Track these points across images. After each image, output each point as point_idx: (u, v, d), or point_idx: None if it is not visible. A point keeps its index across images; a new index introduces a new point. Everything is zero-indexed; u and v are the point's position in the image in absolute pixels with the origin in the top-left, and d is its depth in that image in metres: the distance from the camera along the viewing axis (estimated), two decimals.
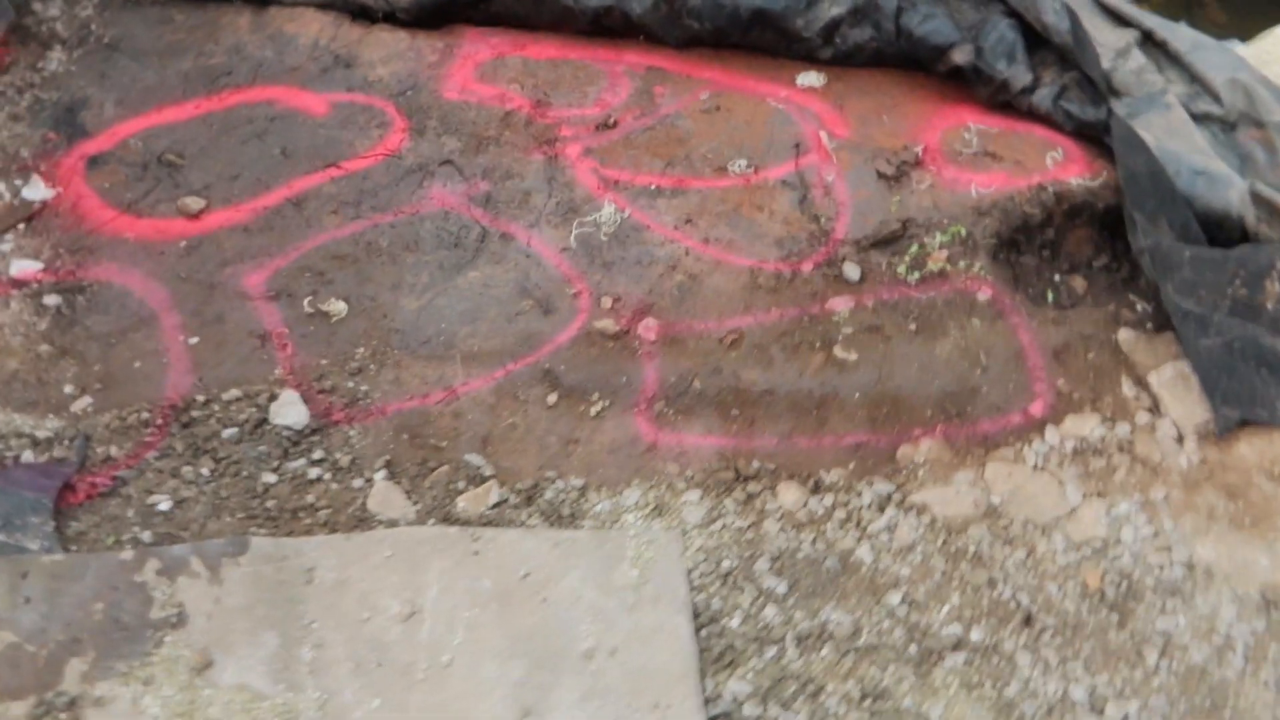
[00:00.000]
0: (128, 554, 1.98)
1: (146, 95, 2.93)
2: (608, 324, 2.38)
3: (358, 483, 2.12)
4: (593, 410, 2.25)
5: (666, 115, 3.00)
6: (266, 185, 2.73)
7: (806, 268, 2.52)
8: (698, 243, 2.58)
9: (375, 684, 1.84)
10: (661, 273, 2.50)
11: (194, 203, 2.67)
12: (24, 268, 2.49)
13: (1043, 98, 2.95)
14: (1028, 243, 2.66)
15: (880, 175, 2.77)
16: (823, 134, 2.92)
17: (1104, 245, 2.68)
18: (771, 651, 1.88)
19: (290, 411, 2.21)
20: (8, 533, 1.98)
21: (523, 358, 2.33)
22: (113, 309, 2.43)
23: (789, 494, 2.11)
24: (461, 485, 2.12)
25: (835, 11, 3.06)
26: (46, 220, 2.60)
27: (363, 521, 2.05)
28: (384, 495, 2.09)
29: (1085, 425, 2.20)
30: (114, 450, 2.16)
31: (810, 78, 3.12)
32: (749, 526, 2.07)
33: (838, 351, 2.33)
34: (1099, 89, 2.88)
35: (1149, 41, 3.24)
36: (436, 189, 2.73)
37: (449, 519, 2.06)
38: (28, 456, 2.14)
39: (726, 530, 2.06)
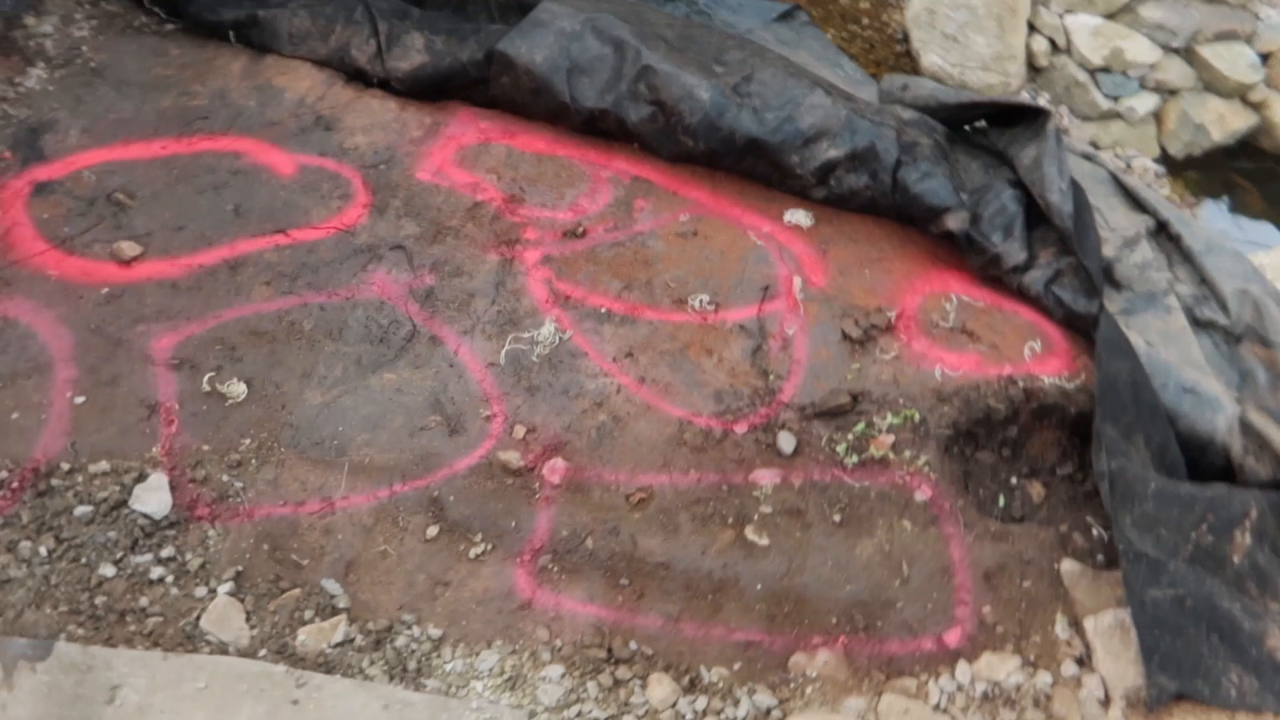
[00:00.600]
0: None
1: (116, 127, 2.86)
2: (512, 456, 2.21)
3: (200, 592, 1.95)
4: (473, 551, 2.07)
5: (640, 233, 2.87)
6: (209, 242, 2.62)
7: (740, 429, 2.34)
8: (633, 381, 2.41)
9: None
10: (585, 409, 2.34)
11: (129, 248, 2.57)
12: None
13: (1035, 279, 2.77)
14: (987, 438, 2.46)
15: (845, 336, 2.60)
16: (797, 280, 2.76)
17: (1071, 452, 2.48)
18: None
19: (153, 498, 2.06)
20: None
21: (414, 480, 2.16)
22: (11, 350, 2.32)
23: (660, 689, 1.91)
24: (309, 615, 1.94)
25: (832, 154, 2.93)
26: None
27: (190, 639, 1.87)
28: (222, 613, 1.92)
29: (1003, 667, 1.98)
30: None
31: (798, 215, 2.98)
32: None
33: (749, 532, 2.14)
34: (1095, 280, 2.70)
35: (1163, 233, 3.07)
36: (379, 275, 2.61)
37: (284, 651, 1.88)
38: None
39: None
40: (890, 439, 2.33)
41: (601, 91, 3.08)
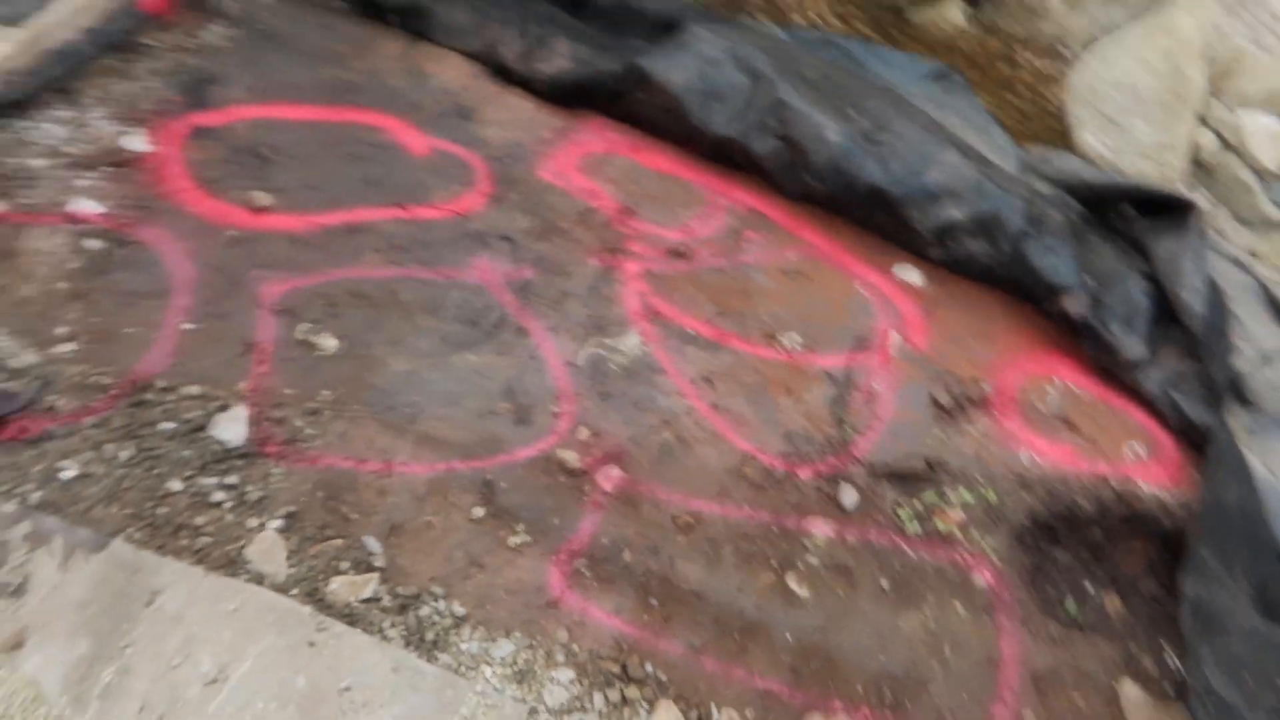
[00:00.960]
0: (9, 508, 1.96)
1: (276, 89, 3.05)
2: (571, 456, 2.22)
3: (252, 523, 2.03)
4: (513, 540, 2.08)
5: (745, 264, 2.85)
6: (334, 204, 2.76)
7: (804, 474, 2.27)
8: (706, 406, 2.39)
9: None
10: (653, 424, 2.32)
11: (262, 198, 2.73)
12: (85, 207, 2.59)
13: (1152, 379, 2.60)
14: (1068, 536, 2.30)
15: (934, 402, 2.50)
16: (895, 336, 2.68)
17: (1159, 570, 2.29)
18: None
19: (231, 428, 2.17)
20: None
21: (473, 460, 2.20)
22: (141, 272, 2.49)
23: (665, 716, 1.86)
24: (344, 566, 1.99)
25: (955, 214, 2.84)
26: (130, 172, 2.72)
27: (233, 564, 1.95)
28: (267, 546, 1.99)
29: None
30: (61, 403, 2.17)
31: (909, 273, 2.90)
32: None
33: (791, 580, 2.07)
34: (1218, 390, 2.50)
35: None
36: (483, 261, 2.68)
37: (315, 595, 1.93)
38: None
39: None
40: (960, 515, 2.22)
41: (731, 119, 3.09)
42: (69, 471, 2.05)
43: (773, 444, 2.32)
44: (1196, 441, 2.50)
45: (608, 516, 2.13)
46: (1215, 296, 2.69)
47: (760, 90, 3.11)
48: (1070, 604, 2.22)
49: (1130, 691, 1.99)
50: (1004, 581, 2.12)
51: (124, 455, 2.10)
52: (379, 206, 2.77)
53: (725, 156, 3.17)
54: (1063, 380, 2.61)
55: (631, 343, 2.50)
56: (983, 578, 2.12)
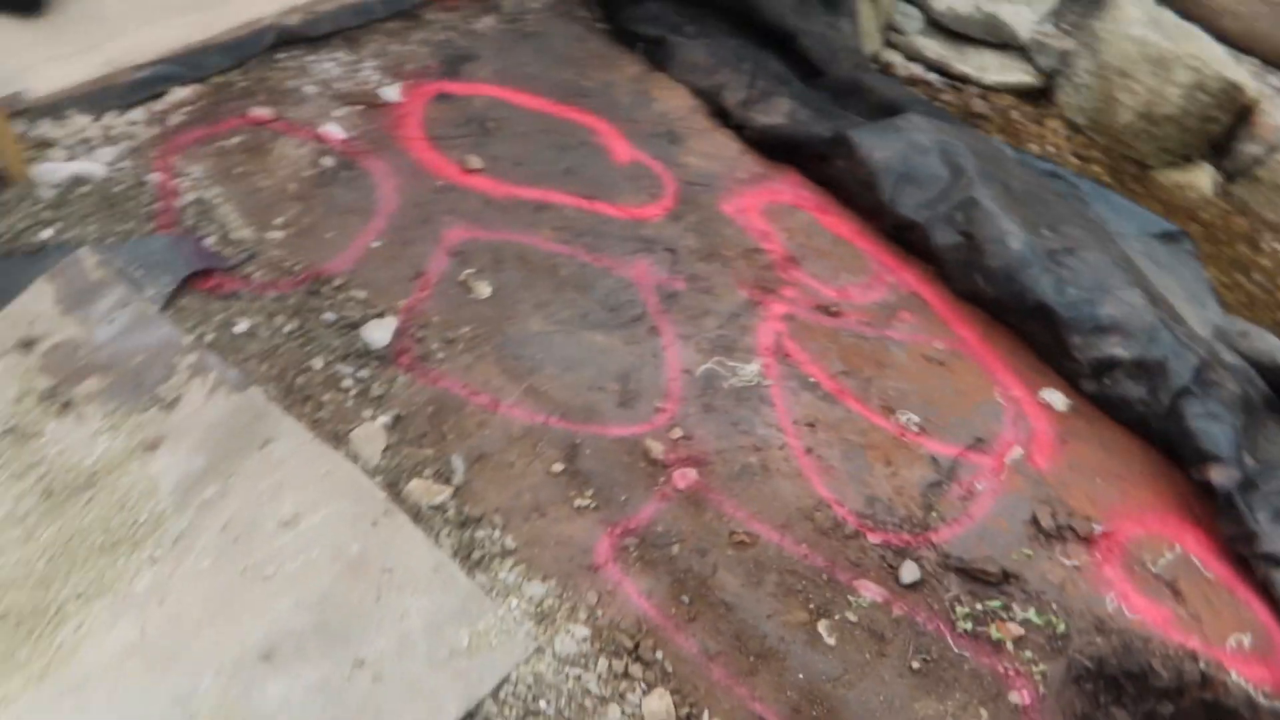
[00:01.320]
0: (187, 340, 2.31)
1: (518, 78, 3.43)
2: (657, 447, 2.32)
3: (366, 413, 2.27)
4: (578, 502, 2.20)
5: (890, 338, 2.87)
6: (533, 182, 3.05)
7: (874, 538, 2.25)
8: (800, 447, 2.43)
9: (221, 549, 1.95)
10: (744, 445, 2.39)
11: (475, 161, 3.06)
12: (332, 131, 3.02)
13: None
14: (1134, 701, 2.13)
15: (1034, 520, 2.41)
16: (1017, 449, 2.60)
17: None
18: None
19: (378, 333, 2.44)
20: (143, 271, 2.41)
21: (569, 421, 2.35)
22: (357, 192, 2.87)
23: (659, 703, 1.89)
24: (427, 473, 2.18)
25: (1118, 352, 2.74)
26: (376, 114, 3.14)
27: (337, 439, 2.19)
28: (371, 434, 2.22)
29: None
30: (256, 275, 2.54)
31: (1055, 397, 2.81)
32: (596, 697, 1.89)
33: (822, 626, 2.05)
34: None
35: None
36: (643, 263, 2.87)
37: (394, 487, 2.14)
38: (210, 241, 2.59)
39: (575, 683, 1.90)
40: (1019, 631, 2.12)
41: (920, 205, 3.14)
42: (240, 327, 2.39)
43: (852, 501, 2.31)
44: None
45: (670, 509, 2.21)
46: None
47: (957, 185, 3.14)
48: None
49: None
50: (1041, 709, 2.00)
51: (287, 328, 2.42)
52: (569, 194, 3.04)
53: (904, 238, 3.21)
54: (1186, 550, 2.44)
55: (750, 370, 2.58)
56: (1020, 696, 2.01)
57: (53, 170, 2.63)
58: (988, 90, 5.00)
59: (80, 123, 2.78)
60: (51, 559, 1.95)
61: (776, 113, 3.50)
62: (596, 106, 3.39)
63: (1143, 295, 2.85)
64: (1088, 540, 2.38)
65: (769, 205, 3.24)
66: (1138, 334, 2.73)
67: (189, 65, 2.95)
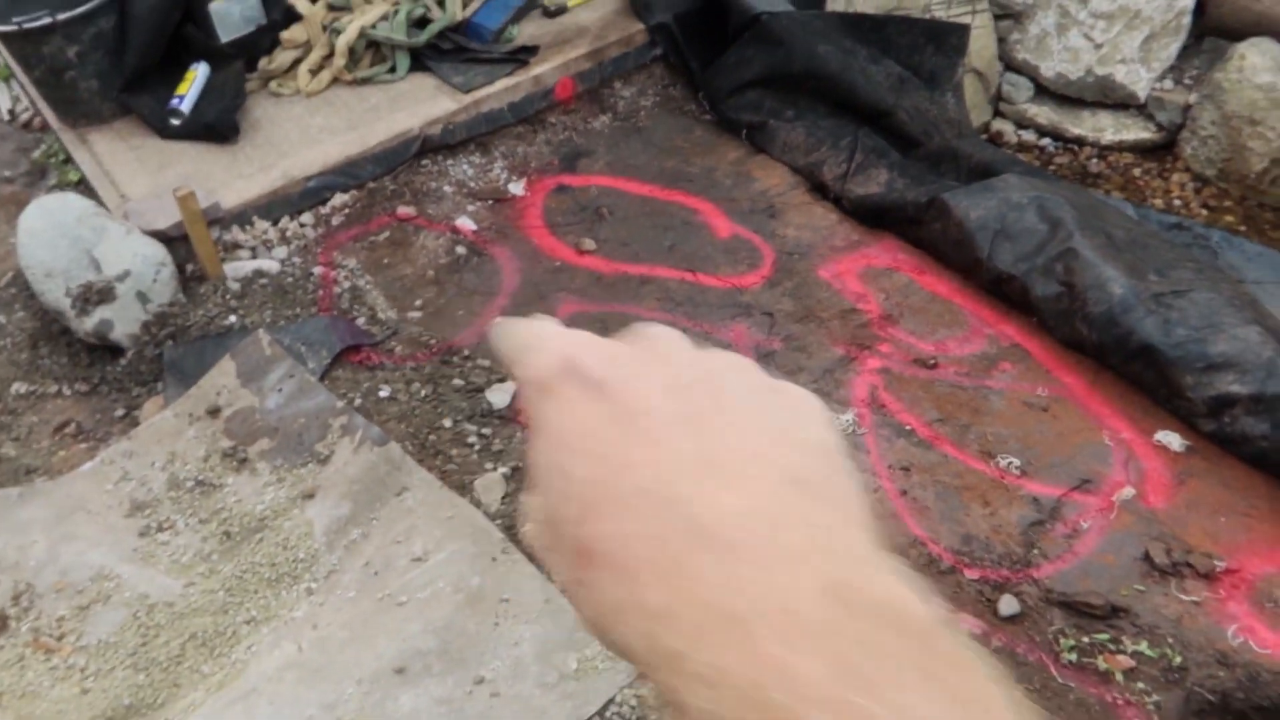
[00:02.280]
0: (340, 404, 2.66)
1: (628, 168, 3.76)
2: None
3: (489, 465, 2.54)
4: None
5: (988, 387, 2.92)
6: (639, 260, 3.33)
7: (970, 574, 2.29)
8: (894, 489, 2.50)
9: (363, 581, 2.22)
10: None
11: (588, 244, 3.38)
12: (465, 224, 3.42)
13: None
14: None
15: (1147, 557, 2.37)
16: (1128, 489, 2.57)
17: None
18: None
19: (500, 396, 2.73)
20: (305, 346, 2.81)
21: None
22: (484, 275, 3.22)
23: None
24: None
25: (1235, 389, 2.68)
26: (504, 207, 3.53)
27: (462, 489, 2.45)
28: (491, 483, 2.47)
29: None
30: (398, 349, 2.90)
31: (1170, 438, 2.76)
32: None
33: None
34: None
35: None
36: (740, 327, 3.06)
37: (511, 529, 2.36)
38: (361, 321, 2.98)
39: None
40: (1130, 663, 2.08)
41: (1018, 259, 3.20)
42: (384, 393, 2.73)
43: (947, 539, 2.36)
44: None
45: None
46: None
47: (1055, 237, 3.19)
48: None
49: None
50: None
51: (422, 393, 2.74)
52: (672, 268, 3.29)
53: (1002, 293, 3.26)
54: None
55: (845, 420, 2.69)
56: None
57: (239, 267, 3.11)
58: (1105, 150, 4.99)
59: (261, 227, 3.28)
60: (230, 590, 2.27)
61: (873, 183, 3.66)
62: (699, 189, 3.66)
63: (1260, 332, 2.78)
64: (1208, 577, 2.31)
65: (866, 269, 3.37)
66: (1254, 369, 2.66)
67: (348, 174, 3.43)
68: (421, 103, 3.66)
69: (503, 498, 2.46)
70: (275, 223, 3.33)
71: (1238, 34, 4.52)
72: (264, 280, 3.09)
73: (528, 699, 1.99)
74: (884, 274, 3.37)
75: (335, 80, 3.72)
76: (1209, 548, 2.40)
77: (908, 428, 2.71)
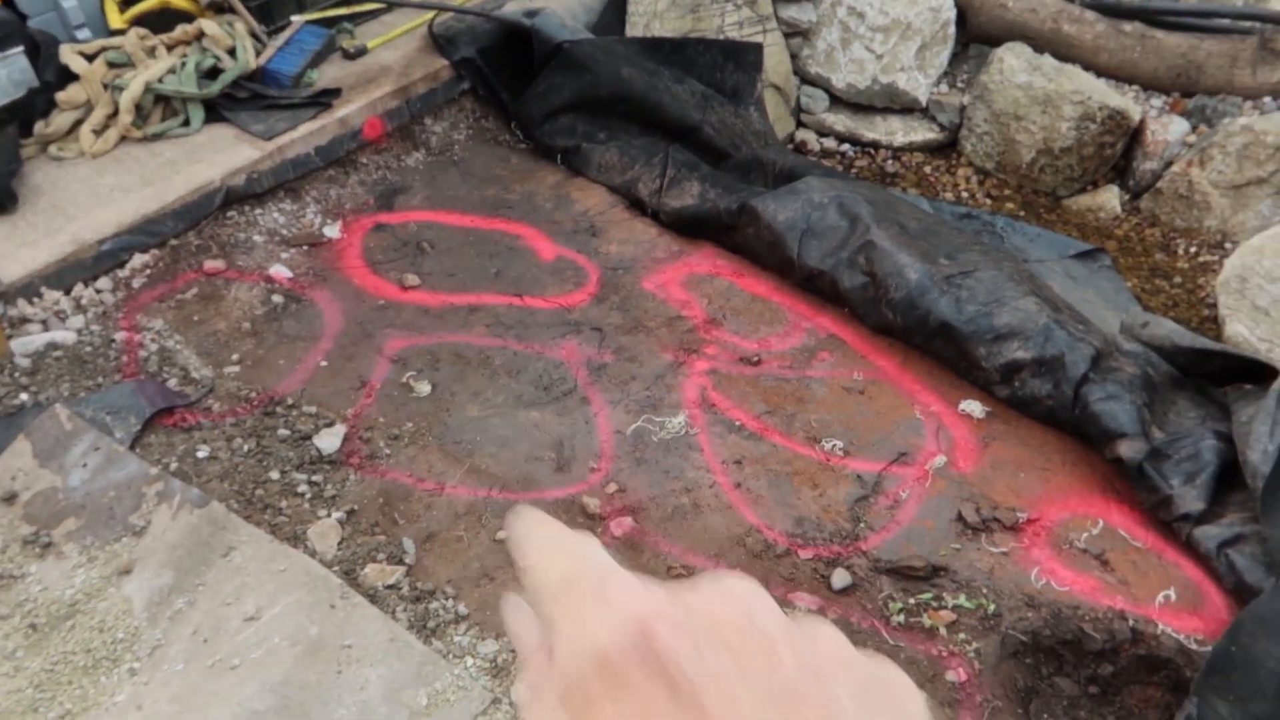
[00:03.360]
0: (154, 471, 2.52)
1: (447, 200, 3.75)
2: (593, 503, 2.49)
3: (321, 513, 2.46)
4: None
5: (810, 378, 3.07)
6: (466, 289, 3.32)
7: (804, 554, 2.39)
8: (729, 483, 2.59)
9: (192, 651, 2.10)
10: (675, 489, 2.56)
11: (411, 279, 3.34)
12: (280, 272, 3.31)
13: (1209, 535, 2.49)
14: (1074, 666, 2.23)
15: (960, 518, 2.55)
16: (940, 458, 2.76)
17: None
18: None
19: (328, 440, 2.65)
20: (111, 416, 2.64)
21: (509, 492, 2.53)
22: (304, 321, 3.13)
23: None
24: (380, 557, 2.35)
25: (1020, 355, 2.93)
26: (321, 251, 3.45)
27: (295, 539, 2.37)
28: (325, 530, 2.40)
29: None
30: (215, 406, 2.77)
31: (973, 406, 2.98)
32: None
33: None
34: (1276, 554, 2.37)
35: None
36: (571, 344, 3.10)
37: (350, 574, 2.30)
38: (172, 382, 2.83)
39: None
40: (951, 616, 2.24)
41: (824, 255, 3.40)
42: (203, 452, 2.60)
43: (781, 523, 2.46)
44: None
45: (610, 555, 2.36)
46: None
47: (855, 231, 3.41)
48: None
49: None
50: (977, 684, 2.10)
51: (245, 448, 2.63)
52: (500, 294, 3.30)
53: (815, 288, 3.45)
54: (1110, 524, 2.56)
55: (678, 422, 2.77)
56: (956, 674, 2.11)
57: (28, 342, 2.89)
58: (898, 151, 5.37)
59: (53, 297, 3.07)
60: (39, 685, 2.10)
61: (687, 195, 3.80)
62: (520, 214, 3.70)
63: (1036, 301, 3.06)
64: (1014, 528, 2.51)
65: (688, 277, 3.49)
66: (1034, 335, 2.93)
67: (146, 233, 3.26)
68: (221, 153, 3.53)
69: (339, 543, 2.39)
70: (68, 291, 3.12)
71: (995, 40, 4.99)
72: (58, 353, 2.89)
73: None
74: (705, 280, 3.50)
75: (124, 138, 3.54)
76: (1013, 502, 2.62)
77: (738, 423, 2.82)
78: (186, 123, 3.56)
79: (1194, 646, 2.19)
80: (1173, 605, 2.31)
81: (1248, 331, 4.10)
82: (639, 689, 0.33)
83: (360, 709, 1.98)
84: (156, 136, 3.50)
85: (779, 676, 0.35)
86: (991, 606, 2.26)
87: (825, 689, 0.36)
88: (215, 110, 3.63)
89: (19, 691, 2.09)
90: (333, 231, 3.54)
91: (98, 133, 3.43)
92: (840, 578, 2.30)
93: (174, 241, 3.36)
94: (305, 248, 3.45)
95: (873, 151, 5.35)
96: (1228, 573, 2.42)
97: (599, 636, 0.35)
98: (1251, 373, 2.83)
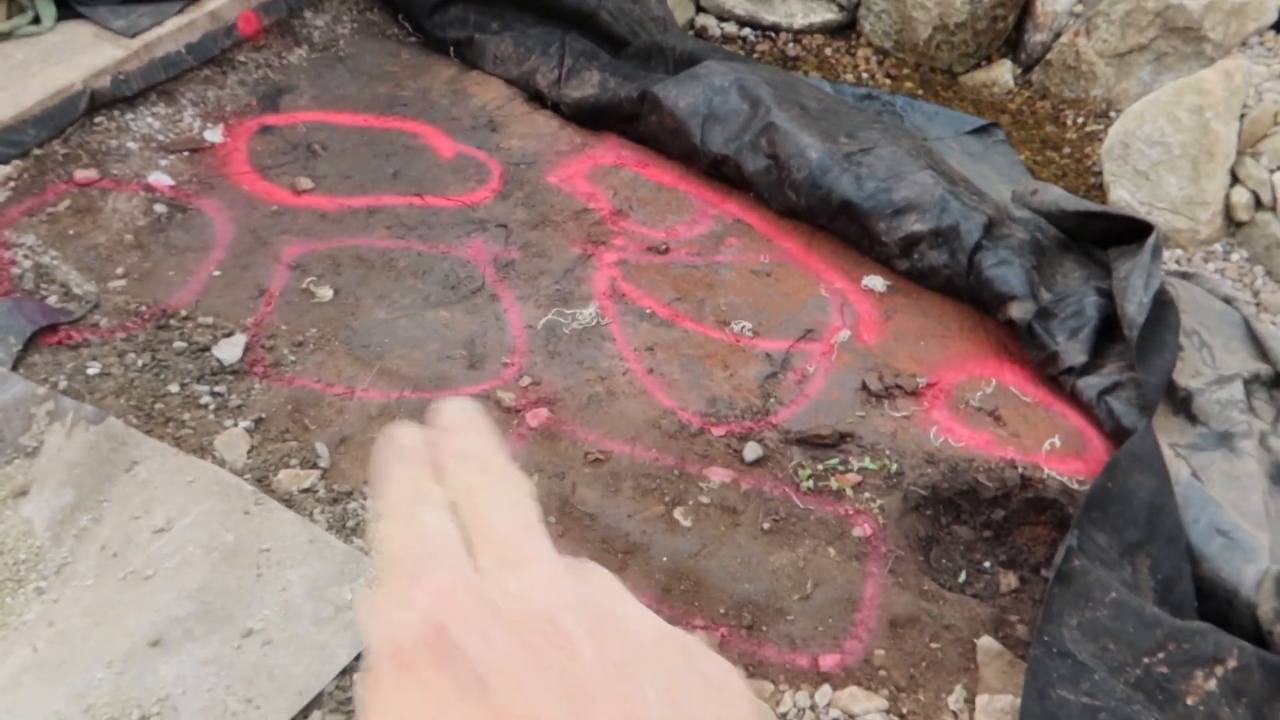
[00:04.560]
0: (41, 390, 2.41)
1: (337, 100, 3.58)
2: (508, 397, 2.50)
3: (228, 423, 2.40)
4: None
5: (718, 263, 3.10)
6: (363, 191, 3.21)
7: (717, 431, 2.46)
8: (641, 369, 2.62)
9: (102, 566, 2.06)
10: (589, 379, 2.58)
11: (304, 183, 3.21)
12: (160, 179, 3.13)
13: (1090, 385, 2.64)
14: (970, 515, 2.38)
15: (864, 386, 2.64)
16: (844, 332, 2.84)
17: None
18: None
19: (229, 350, 2.57)
20: None
21: (422, 391, 2.51)
22: (192, 231, 2.98)
23: None
24: (294, 463, 2.32)
25: (918, 227, 3.00)
26: (203, 156, 3.26)
27: (202, 450, 2.31)
28: (233, 440, 2.35)
29: (865, 704, 1.91)
30: (103, 322, 2.64)
31: (875, 281, 3.06)
32: None
33: (678, 513, 2.25)
34: (1149, 397, 2.54)
35: (1276, 385, 2.79)
36: (477, 241, 3.04)
37: (263, 481, 2.27)
38: (52, 299, 2.68)
39: None
40: (856, 478, 2.35)
41: (728, 140, 3.38)
42: (93, 369, 2.49)
43: (694, 404, 2.52)
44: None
45: (527, 446, 2.39)
46: (1165, 314, 2.72)
47: (756, 114, 3.39)
48: (963, 576, 2.29)
49: (987, 644, 2.04)
50: (882, 536, 2.22)
51: (140, 362, 2.53)
52: (399, 195, 3.20)
53: (721, 174, 3.45)
54: (1003, 383, 2.70)
55: (589, 313, 2.77)
56: (861, 530, 2.23)
57: None
58: (799, 34, 5.32)
59: None
60: None
61: (587, 85, 3.71)
62: (415, 112, 3.56)
63: (933, 175, 3.13)
64: (914, 393, 2.62)
65: (593, 169, 3.44)
66: (930, 208, 3.00)
67: (5, 143, 3.03)
68: (81, 53, 3.27)
69: (249, 451, 2.34)
70: None
71: None
72: None
73: (304, 638, 1.95)
74: (611, 171, 3.45)
75: None
76: (914, 369, 2.73)
77: (649, 311, 2.84)
78: (37, 20, 3.28)
79: (1076, 487, 2.36)
80: (1058, 451, 2.46)
81: (1129, 195, 4.29)
82: (428, 683, 0.34)
83: (283, 608, 1.99)
84: (3, 36, 3.22)
85: (575, 670, 0.34)
86: (894, 466, 2.37)
87: (628, 683, 0.35)
88: (68, 6, 3.35)
89: None
90: (214, 136, 3.35)
91: None
92: (752, 450, 2.38)
93: (38, 151, 3.13)
94: (186, 154, 3.26)
95: (774, 35, 5.29)
96: (1107, 418, 2.59)
97: (394, 632, 0.35)
98: (1131, 232, 2.97)
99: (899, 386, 2.64)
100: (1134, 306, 2.65)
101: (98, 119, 3.27)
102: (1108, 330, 2.76)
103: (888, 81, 5.17)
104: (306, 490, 2.27)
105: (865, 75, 5.18)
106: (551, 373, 2.60)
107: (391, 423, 2.42)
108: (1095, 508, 2.23)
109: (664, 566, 2.15)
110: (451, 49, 3.91)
